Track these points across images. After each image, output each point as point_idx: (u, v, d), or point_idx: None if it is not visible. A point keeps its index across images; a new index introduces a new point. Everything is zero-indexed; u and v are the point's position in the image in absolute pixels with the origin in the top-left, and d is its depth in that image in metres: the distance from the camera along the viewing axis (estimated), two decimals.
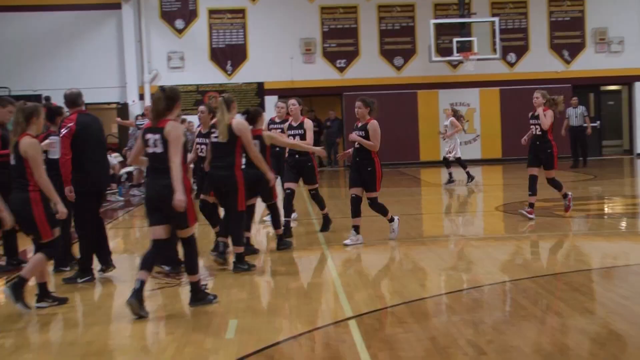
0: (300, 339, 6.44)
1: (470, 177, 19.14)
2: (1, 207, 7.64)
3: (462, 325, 6.63)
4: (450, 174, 19.26)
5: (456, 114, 19.83)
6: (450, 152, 19.46)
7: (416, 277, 8.81)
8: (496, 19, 24.82)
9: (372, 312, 7.21)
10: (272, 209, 10.56)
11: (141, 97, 25.41)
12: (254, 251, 10.26)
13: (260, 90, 26.26)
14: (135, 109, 24.47)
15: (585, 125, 23.29)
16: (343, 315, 7.06)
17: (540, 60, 27.16)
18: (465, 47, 24.25)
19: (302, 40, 26.43)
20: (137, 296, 7.13)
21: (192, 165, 10.73)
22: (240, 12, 26.38)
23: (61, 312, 7.58)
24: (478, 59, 24.15)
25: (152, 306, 7.69)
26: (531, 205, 12.58)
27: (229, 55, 26.33)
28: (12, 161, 7.57)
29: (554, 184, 12.75)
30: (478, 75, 25.76)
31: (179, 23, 26.13)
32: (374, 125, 10.94)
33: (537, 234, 11.54)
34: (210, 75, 26.25)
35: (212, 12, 26.26)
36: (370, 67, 26.60)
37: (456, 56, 24.30)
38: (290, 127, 11.89)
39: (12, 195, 7.62)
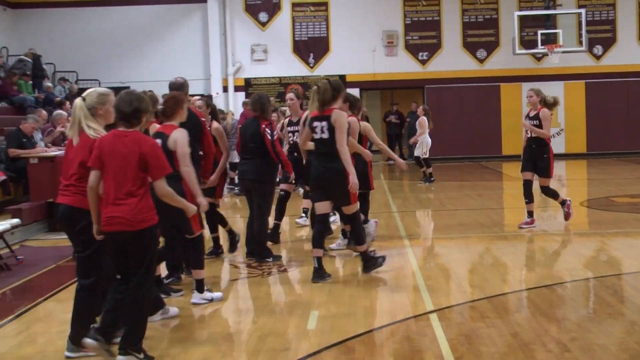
0: (381, 331, 6.49)
1: (429, 179, 18.62)
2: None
3: (545, 321, 6.57)
4: (428, 173, 18.87)
5: (427, 113, 19.24)
6: (425, 153, 18.87)
7: (498, 271, 8.76)
8: (582, 11, 24.26)
9: (453, 306, 7.21)
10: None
11: (225, 89, 25.77)
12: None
13: (342, 82, 26.28)
14: (219, 101, 24.86)
15: None
16: (424, 309, 7.08)
17: (628, 53, 26.43)
18: (550, 40, 23.79)
19: (385, 33, 26.35)
20: (319, 274, 8.29)
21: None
22: (323, 5, 26.47)
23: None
24: (563, 52, 23.65)
25: (236, 295, 7.86)
26: (530, 214, 11.58)
27: (311, 47, 26.47)
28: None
29: (549, 192, 11.63)
30: (563, 68, 25.24)
31: (263, 16, 26.38)
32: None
33: (623, 230, 11.29)
34: (293, 67, 26.42)
35: (295, 5, 26.41)
36: (452, 59, 26.36)
37: (541, 48, 23.85)
38: (290, 123, 11.25)
39: None
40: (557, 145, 25.95)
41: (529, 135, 11.45)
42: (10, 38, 24.84)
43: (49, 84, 21.64)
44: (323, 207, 8.45)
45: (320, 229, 8.51)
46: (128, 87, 24.80)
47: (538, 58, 26.17)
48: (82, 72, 24.97)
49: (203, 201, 7.18)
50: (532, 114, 11.41)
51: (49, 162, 12.53)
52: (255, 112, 9.44)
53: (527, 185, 11.51)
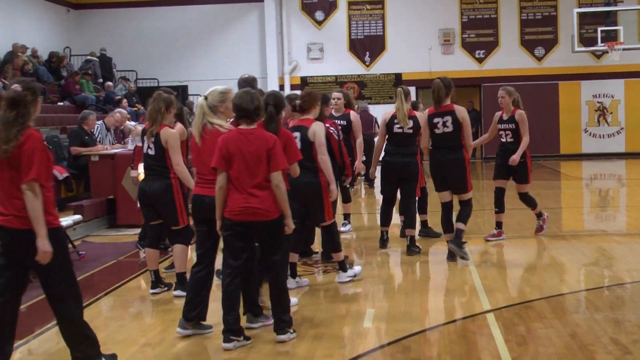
0: (437, 330, 6.48)
1: (369, 182, 17.72)
2: None
3: (604, 322, 6.48)
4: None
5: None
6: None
7: (556, 272, 8.66)
8: None
9: (510, 306, 7.16)
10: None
11: (281, 87, 25.90)
12: (436, 235, 10.73)
13: (398, 81, 26.23)
14: None
15: None
16: (481, 309, 7.05)
17: None
18: (610, 37, 23.37)
19: (441, 31, 26.21)
20: (457, 242, 9.01)
21: None
22: (380, 3, 26.42)
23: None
24: (624, 49, 23.22)
25: (293, 292, 7.91)
26: (498, 225, 10.61)
27: (367, 46, 26.45)
28: (151, 151, 7.74)
29: (527, 200, 10.70)
30: (623, 65, 24.74)
31: (319, 15, 26.46)
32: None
33: None
34: (349, 66, 26.44)
35: (351, 4, 26.42)
36: (510, 57, 26.08)
37: (600, 46, 23.44)
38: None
39: (150, 183, 7.77)
40: (618, 145, 25.59)
41: (503, 140, 10.46)
42: (72, 38, 25.39)
43: (110, 83, 22.05)
44: (446, 196, 9.29)
45: (449, 215, 9.35)
46: (186, 86, 25.30)
47: (598, 56, 25.73)
48: (141, 71, 25.37)
49: (334, 190, 8.04)
50: (505, 116, 10.40)
51: (109, 160, 12.75)
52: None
53: (500, 193, 10.51)
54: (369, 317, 6.87)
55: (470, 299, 7.46)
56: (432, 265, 9.37)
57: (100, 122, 14.43)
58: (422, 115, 9.66)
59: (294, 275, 8.07)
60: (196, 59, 26.11)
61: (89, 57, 22.98)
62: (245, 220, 6.02)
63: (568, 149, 25.91)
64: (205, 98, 6.48)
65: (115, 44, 25.41)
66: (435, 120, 9.05)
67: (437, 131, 9.06)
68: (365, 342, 6.14)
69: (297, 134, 7.73)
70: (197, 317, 6.44)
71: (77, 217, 10.63)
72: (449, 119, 8.99)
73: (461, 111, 9.07)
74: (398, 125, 9.60)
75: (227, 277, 6.14)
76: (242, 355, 5.92)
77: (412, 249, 9.69)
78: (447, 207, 9.35)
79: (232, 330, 6.08)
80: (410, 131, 9.63)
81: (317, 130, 7.91)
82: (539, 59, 26.20)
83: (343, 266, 8.30)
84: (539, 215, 10.88)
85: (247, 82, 7.99)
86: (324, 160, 7.89)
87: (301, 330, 6.48)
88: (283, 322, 6.20)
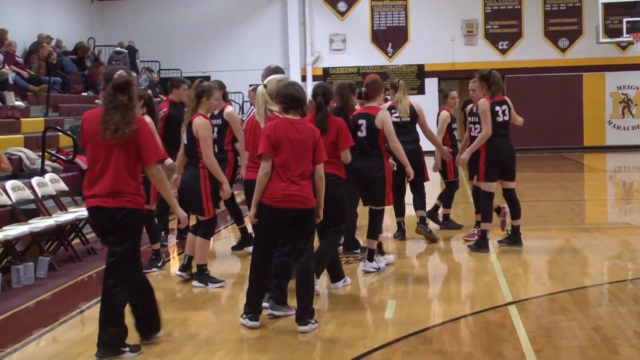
0: (459, 322, 6.47)
1: None
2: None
3: (628, 316, 6.44)
4: None
5: None
6: None
7: (578, 264, 8.62)
8: None
9: (532, 298, 7.14)
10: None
11: (303, 78, 25.88)
12: (457, 226, 10.80)
13: (421, 72, 26.16)
14: None
15: None
16: (503, 300, 7.03)
17: None
18: (635, 28, 23.14)
19: (464, 22, 26.07)
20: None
21: None
22: None
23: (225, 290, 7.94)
24: None
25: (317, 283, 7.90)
26: (478, 224, 9.89)
27: (389, 37, 26.37)
28: (185, 140, 7.80)
29: (511, 198, 9.57)
30: None
31: (342, 6, 26.39)
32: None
33: None
34: (371, 57, 26.36)
35: None
36: (533, 48, 25.90)
37: (626, 37, 23.23)
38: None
39: (183, 171, 7.89)
40: None
41: (472, 134, 9.94)
42: (96, 29, 25.51)
43: (133, 74, 22.13)
44: (494, 186, 9.41)
45: (489, 204, 9.41)
46: (209, 77, 25.34)
47: (623, 47, 25.49)
48: (164, 62, 25.43)
49: (412, 172, 8.45)
50: (475, 109, 9.77)
51: None
52: (338, 103, 9.18)
53: (477, 192, 9.84)
54: (390, 308, 6.88)
55: (492, 291, 7.43)
56: (454, 256, 9.36)
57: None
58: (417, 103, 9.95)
59: (382, 252, 8.57)
60: (219, 49, 26.17)
61: (118, 49, 23.14)
62: (285, 208, 6.13)
63: (592, 141, 25.72)
64: (265, 86, 6.77)
65: (138, 34, 25.48)
66: (497, 108, 9.26)
67: (498, 119, 9.26)
68: (386, 333, 6.15)
69: (362, 122, 8.11)
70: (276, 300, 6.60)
71: None
72: (506, 108, 9.33)
73: (509, 101, 9.50)
74: (396, 115, 9.67)
75: (258, 263, 6.32)
76: (264, 344, 5.95)
77: (421, 225, 9.84)
78: (492, 197, 9.44)
79: (258, 311, 6.35)
80: (408, 119, 9.82)
81: (385, 118, 8.14)
82: (563, 50, 26.01)
83: (371, 256, 8.33)
84: (498, 211, 10.29)
85: (277, 72, 7.98)
86: (397, 147, 8.21)
87: (323, 321, 6.50)
88: (306, 313, 6.23)
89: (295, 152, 6.13)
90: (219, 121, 9.19)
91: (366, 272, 8.25)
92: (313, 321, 6.27)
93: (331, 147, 7.13)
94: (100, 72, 20.58)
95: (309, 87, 25.91)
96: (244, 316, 6.36)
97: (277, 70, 7.94)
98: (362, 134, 8.10)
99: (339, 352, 5.68)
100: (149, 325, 5.93)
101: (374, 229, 8.31)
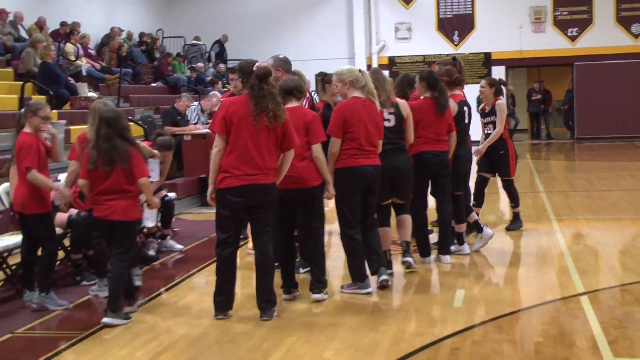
0: (529, 312, 6.42)
1: None
2: None
3: None
4: None
5: None
6: None
7: None
8: None
9: (604, 288, 7.03)
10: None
11: (369, 68, 25.79)
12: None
13: (487, 60, 25.86)
14: None
15: None
16: (574, 291, 6.94)
17: None
18: None
19: (532, 9, 25.65)
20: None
21: None
22: None
23: None
24: None
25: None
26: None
27: (456, 25, 26.11)
28: (391, 122, 7.52)
29: (510, 192, 9.88)
30: None
31: None
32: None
33: None
34: (437, 45, 26.14)
35: None
36: (604, 35, 25.32)
37: None
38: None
39: (391, 155, 7.45)
40: None
41: (487, 132, 9.68)
42: (165, 21, 25.89)
43: (201, 64, 22.42)
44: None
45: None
46: None
47: None
48: (230, 52, 25.66)
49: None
50: (487, 108, 9.65)
51: (201, 139, 13.01)
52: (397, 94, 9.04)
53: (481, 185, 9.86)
54: (459, 298, 6.85)
55: (563, 281, 7.35)
56: (523, 246, 9.23)
57: (196, 103, 14.68)
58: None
59: (480, 229, 8.71)
60: (284, 39, 26.25)
61: (194, 41, 23.52)
62: (286, 188, 6.58)
63: None
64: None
65: (205, 25, 25.77)
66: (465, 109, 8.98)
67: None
68: (455, 322, 6.12)
69: (465, 109, 8.66)
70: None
71: (172, 194, 10.86)
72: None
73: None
74: None
75: (280, 240, 6.90)
76: (334, 330, 5.99)
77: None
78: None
79: (293, 284, 6.96)
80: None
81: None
82: (636, 36, 25.36)
83: (460, 239, 8.58)
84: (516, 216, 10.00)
85: (286, 61, 8.10)
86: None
87: (391, 310, 6.53)
88: (320, 283, 6.85)
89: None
90: None
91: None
92: (325, 291, 6.88)
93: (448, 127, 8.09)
94: (168, 62, 20.94)
95: None
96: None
97: (285, 60, 7.93)
98: (465, 120, 8.57)
99: (409, 341, 5.69)
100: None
101: (458, 215, 8.51)
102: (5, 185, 7.86)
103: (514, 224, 9.92)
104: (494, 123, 9.53)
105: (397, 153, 7.50)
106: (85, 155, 6.49)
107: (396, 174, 7.47)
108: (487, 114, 9.62)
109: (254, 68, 6.77)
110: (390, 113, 7.51)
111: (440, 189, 8.24)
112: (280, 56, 8.10)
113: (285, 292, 6.94)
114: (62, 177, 8.25)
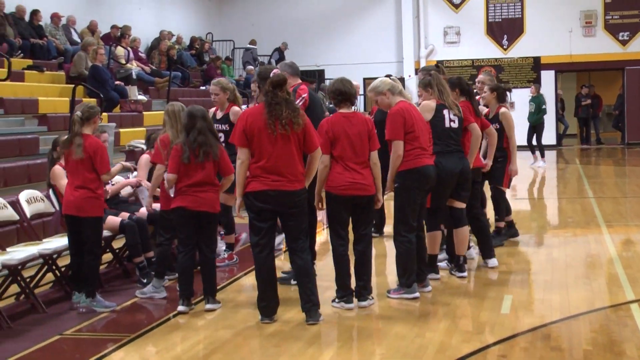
0: (578, 319, 6.35)
1: None
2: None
3: None
4: None
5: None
6: None
7: None
8: None
9: None
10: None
11: (417, 72, 25.74)
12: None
13: (537, 64, 25.61)
14: (411, 83, 24.90)
15: None
16: (624, 299, 6.85)
17: None
18: None
19: (582, 13, 25.33)
20: None
21: None
22: None
23: None
24: None
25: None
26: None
27: (505, 29, 25.90)
28: (456, 124, 7.48)
29: (498, 203, 9.33)
30: None
31: None
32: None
33: None
34: (486, 49, 25.96)
35: None
36: None
37: None
38: None
39: (457, 159, 7.47)
40: None
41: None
42: (214, 24, 26.14)
43: (250, 67, 22.55)
44: None
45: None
46: (323, 70, 25.59)
47: None
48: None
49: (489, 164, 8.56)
50: (490, 115, 9.02)
51: None
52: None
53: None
54: (506, 304, 6.81)
55: (613, 289, 7.26)
56: (571, 252, 9.13)
57: (244, 106, 14.76)
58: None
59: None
60: (333, 43, 26.31)
61: (249, 46, 23.74)
62: (351, 195, 6.57)
63: None
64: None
65: (253, 29, 25.94)
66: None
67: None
68: (503, 329, 6.09)
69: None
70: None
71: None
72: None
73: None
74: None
75: (340, 246, 6.73)
76: (379, 337, 6.00)
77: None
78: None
79: (357, 292, 6.80)
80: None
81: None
82: None
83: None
84: (510, 225, 9.55)
85: (293, 67, 7.65)
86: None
87: (438, 316, 6.51)
88: (366, 290, 6.77)
89: (352, 144, 6.56)
90: None
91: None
92: (371, 297, 6.82)
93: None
94: (216, 65, 21.13)
95: None
96: (337, 300, 6.78)
97: (291, 64, 7.74)
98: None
99: (456, 347, 5.67)
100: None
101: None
102: (28, 192, 7.87)
103: (497, 239, 9.11)
104: (496, 130, 8.71)
105: (462, 155, 7.55)
106: (174, 150, 6.77)
107: (462, 175, 7.50)
108: (490, 121, 8.76)
109: (271, 74, 6.77)
110: (454, 115, 7.50)
111: (475, 194, 8.18)
112: (287, 61, 8.08)
113: (339, 298, 6.81)
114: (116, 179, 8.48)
